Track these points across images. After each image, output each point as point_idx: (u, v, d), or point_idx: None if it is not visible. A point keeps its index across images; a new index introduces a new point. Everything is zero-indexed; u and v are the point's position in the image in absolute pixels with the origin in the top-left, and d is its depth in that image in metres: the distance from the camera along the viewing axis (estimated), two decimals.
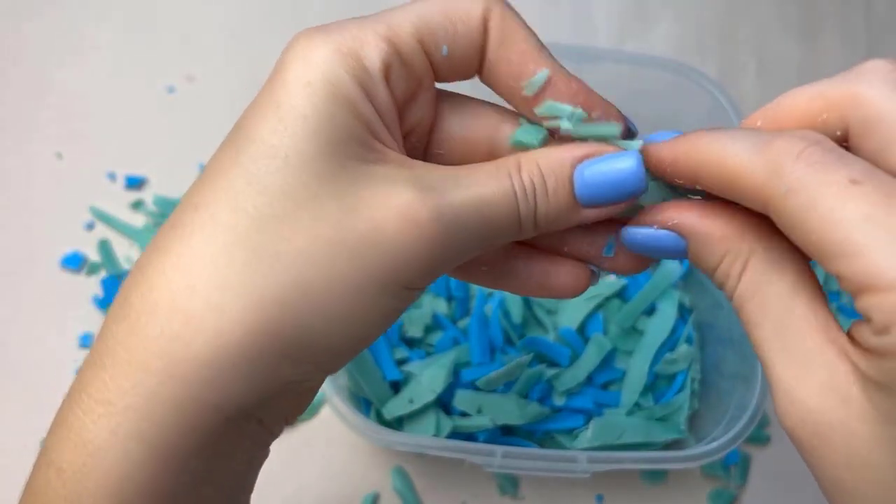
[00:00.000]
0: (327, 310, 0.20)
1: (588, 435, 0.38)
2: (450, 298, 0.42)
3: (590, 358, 0.39)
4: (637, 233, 0.22)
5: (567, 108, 0.22)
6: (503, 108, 0.23)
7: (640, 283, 0.42)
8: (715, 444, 0.35)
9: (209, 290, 0.19)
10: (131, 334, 0.19)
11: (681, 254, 0.22)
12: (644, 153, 0.22)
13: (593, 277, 0.25)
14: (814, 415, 0.19)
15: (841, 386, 0.18)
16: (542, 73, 0.22)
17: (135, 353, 0.19)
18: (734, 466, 0.41)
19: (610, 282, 0.42)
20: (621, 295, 0.42)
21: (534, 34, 0.22)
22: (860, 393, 0.18)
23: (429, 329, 0.40)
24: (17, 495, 0.22)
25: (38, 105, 0.47)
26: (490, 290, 0.41)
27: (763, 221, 0.20)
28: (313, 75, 0.20)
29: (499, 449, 0.34)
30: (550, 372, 0.39)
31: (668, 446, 0.38)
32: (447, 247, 0.20)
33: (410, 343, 0.40)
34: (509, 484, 0.39)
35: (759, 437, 0.41)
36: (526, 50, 0.22)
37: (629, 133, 0.23)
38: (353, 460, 0.39)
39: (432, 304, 0.41)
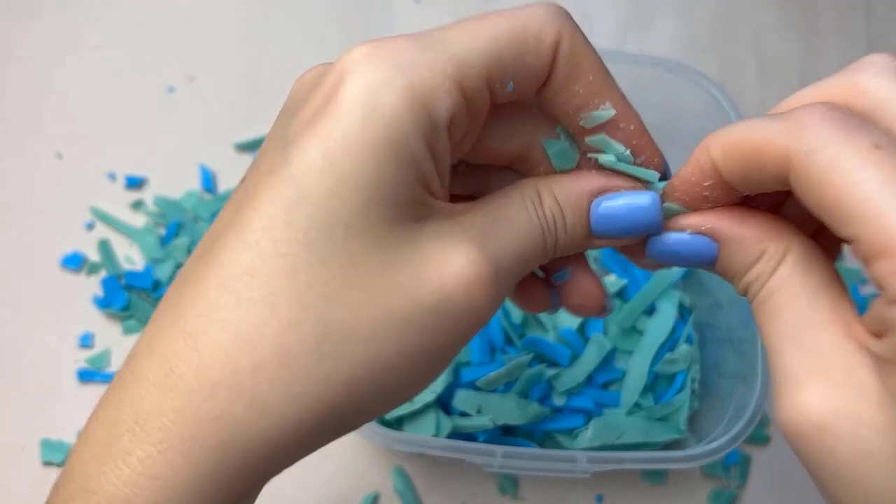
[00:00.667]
0: (392, 385, 0.20)
1: (588, 435, 0.38)
2: None
3: (590, 358, 0.39)
4: (668, 239, 0.22)
5: (619, 147, 0.22)
6: (542, 113, 0.22)
7: (639, 284, 0.42)
8: (715, 444, 0.35)
9: (278, 371, 0.18)
10: (185, 410, 0.18)
11: (709, 260, 0.22)
12: (666, 189, 0.22)
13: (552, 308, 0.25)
14: (822, 405, 0.18)
15: (856, 375, 0.18)
16: (607, 112, 0.21)
17: (187, 428, 0.18)
18: (734, 466, 0.41)
19: (610, 281, 0.42)
20: (621, 295, 0.42)
21: (601, 62, 0.21)
22: (875, 380, 0.18)
23: None
24: (13, 494, 0.22)
25: (38, 105, 0.47)
26: None
27: (789, 223, 0.21)
28: (381, 133, 0.18)
29: (499, 449, 0.34)
30: (550, 372, 0.39)
31: (668, 446, 0.38)
32: (501, 294, 0.20)
33: None
34: (509, 484, 0.39)
35: (759, 437, 0.41)
36: (594, 83, 0.21)
37: (662, 178, 0.23)
38: (353, 460, 0.39)
39: None
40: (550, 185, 0.22)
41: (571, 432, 0.38)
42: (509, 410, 0.37)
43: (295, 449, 0.19)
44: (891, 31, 0.52)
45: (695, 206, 0.22)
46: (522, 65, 0.20)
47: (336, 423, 0.19)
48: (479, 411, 0.37)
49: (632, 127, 0.22)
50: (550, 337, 0.40)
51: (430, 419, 0.37)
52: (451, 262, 0.19)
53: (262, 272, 0.18)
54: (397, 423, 0.37)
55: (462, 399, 0.37)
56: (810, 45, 0.51)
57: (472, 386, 0.38)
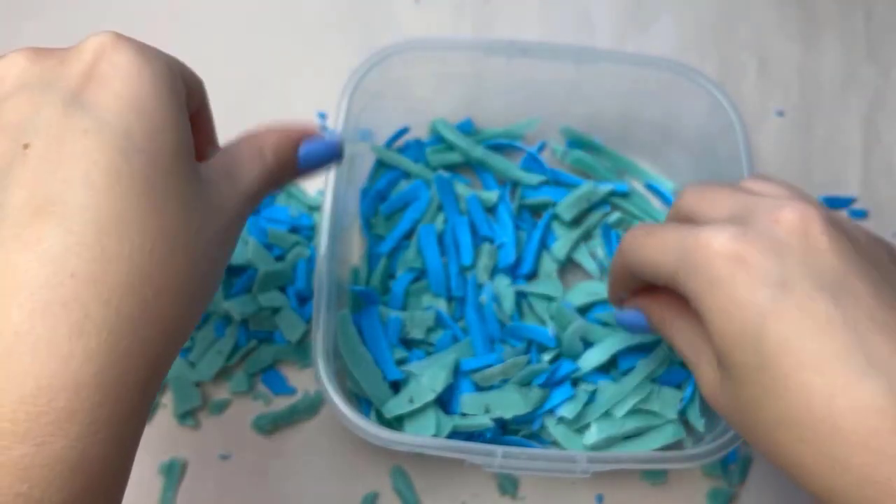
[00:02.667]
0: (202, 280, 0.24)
1: (592, 431, 0.38)
2: (450, 299, 0.42)
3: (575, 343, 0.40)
4: (618, 315, 0.35)
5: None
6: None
7: None
8: (715, 444, 0.35)
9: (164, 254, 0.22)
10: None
11: (645, 327, 0.34)
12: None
13: None
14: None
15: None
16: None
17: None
18: (733, 465, 0.41)
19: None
20: None
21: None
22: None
23: (430, 330, 0.40)
24: None
25: None
26: (481, 281, 0.42)
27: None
28: (167, 86, 0.24)
29: (499, 449, 0.34)
30: (546, 357, 0.39)
31: (668, 446, 0.38)
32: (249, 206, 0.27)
33: (410, 344, 0.40)
34: (509, 484, 0.39)
35: None
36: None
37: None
38: (353, 460, 0.39)
39: (433, 304, 0.41)
40: (271, 145, 0.28)
41: (564, 407, 0.39)
42: (514, 402, 0.37)
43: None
44: (891, 31, 0.52)
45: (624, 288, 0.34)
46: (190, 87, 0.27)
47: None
48: (486, 411, 0.37)
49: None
50: (550, 328, 0.40)
51: (430, 419, 0.37)
52: (221, 199, 0.25)
53: (129, 213, 0.21)
54: (397, 423, 0.37)
55: (467, 402, 0.38)
56: (810, 45, 0.51)
57: (473, 385, 0.38)
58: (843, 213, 0.26)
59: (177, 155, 0.23)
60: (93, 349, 0.19)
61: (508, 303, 0.41)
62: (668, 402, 0.39)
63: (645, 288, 0.33)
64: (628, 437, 0.39)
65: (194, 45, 0.49)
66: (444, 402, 0.38)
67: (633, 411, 0.39)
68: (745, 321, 0.25)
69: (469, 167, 0.45)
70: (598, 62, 0.42)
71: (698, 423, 0.38)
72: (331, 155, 0.29)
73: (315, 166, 0.29)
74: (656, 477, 0.40)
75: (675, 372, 0.40)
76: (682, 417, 0.39)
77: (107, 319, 0.20)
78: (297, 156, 0.28)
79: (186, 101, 0.25)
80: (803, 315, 0.24)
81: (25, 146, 0.21)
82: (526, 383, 0.39)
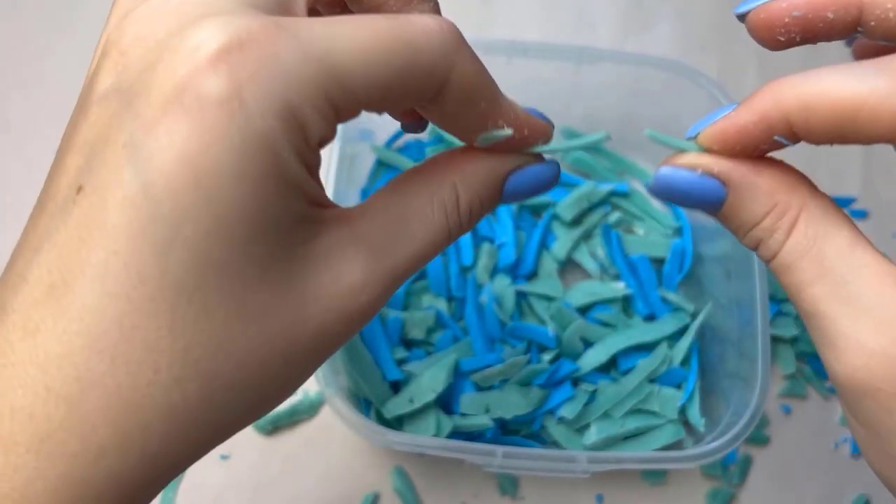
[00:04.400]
0: (273, 406, 0.19)
1: (592, 432, 0.38)
2: (450, 299, 0.42)
3: (575, 343, 0.40)
4: (675, 175, 0.21)
5: (506, 132, 0.21)
6: None
7: (647, 293, 0.42)
8: (715, 444, 0.35)
9: (166, 428, 0.17)
10: (71, 474, 0.17)
11: (715, 204, 0.21)
12: (706, 138, 0.21)
13: None
14: (882, 356, 0.18)
15: None
16: (503, 133, 0.21)
17: (75, 489, 0.17)
18: (733, 466, 0.41)
19: (617, 288, 0.42)
20: (626, 303, 0.42)
21: (493, 84, 0.20)
22: None
23: (430, 330, 0.40)
24: None
25: (39, 105, 0.47)
26: (481, 281, 0.42)
27: (805, 178, 0.20)
28: (259, 160, 0.16)
29: (499, 449, 0.34)
30: (546, 357, 0.39)
31: (668, 446, 0.38)
32: (389, 295, 0.20)
33: (411, 343, 0.40)
34: (509, 484, 0.39)
35: (759, 437, 0.41)
36: (486, 109, 0.20)
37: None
38: (353, 460, 0.39)
39: (433, 304, 0.41)
40: (468, 179, 0.21)
41: (565, 411, 0.39)
42: (514, 402, 0.37)
43: (173, 475, 0.19)
44: None
45: (743, 152, 0.20)
46: (406, 95, 0.18)
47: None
48: (486, 411, 0.37)
49: (525, 132, 0.21)
50: (550, 327, 0.40)
51: (431, 419, 0.37)
52: (343, 292, 0.18)
53: (139, 330, 0.16)
54: (397, 423, 0.37)
55: (467, 402, 0.38)
56: (810, 45, 0.51)
57: (472, 385, 0.38)
58: None
59: (244, 252, 0.16)
60: (46, 469, 0.16)
61: (508, 303, 0.41)
62: (668, 402, 0.39)
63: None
64: (628, 437, 0.39)
65: None
66: (445, 402, 0.38)
67: (633, 411, 0.39)
68: None
69: None
70: (598, 62, 0.42)
71: (698, 423, 0.38)
72: (547, 182, 0.22)
73: (520, 198, 0.22)
74: (656, 477, 0.40)
75: (675, 372, 0.40)
76: (682, 417, 0.39)
77: (70, 445, 0.16)
78: (504, 190, 0.21)
79: (373, 101, 0.18)
80: None
81: (79, 190, 0.17)
82: (526, 383, 0.39)
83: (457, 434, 0.37)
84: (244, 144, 0.16)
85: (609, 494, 0.40)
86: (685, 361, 0.40)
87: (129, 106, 0.16)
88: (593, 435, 0.38)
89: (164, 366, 0.16)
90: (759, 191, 0.20)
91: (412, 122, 0.23)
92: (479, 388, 0.38)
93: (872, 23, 0.19)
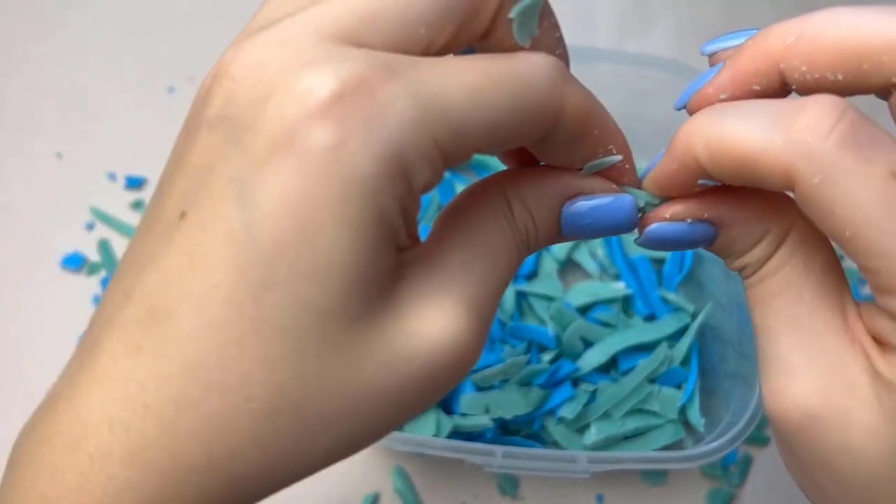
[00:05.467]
0: (370, 443, 0.19)
1: (592, 431, 0.38)
2: None
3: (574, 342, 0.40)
4: (664, 228, 0.21)
5: (616, 157, 0.20)
6: None
7: (647, 293, 0.42)
8: (715, 444, 0.35)
9: (254, 457, 0.17)
10: (161, 489, 0.17)
11: (706, 243, 0.21)
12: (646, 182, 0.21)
13: None
14: (815, 397, 0.18)
15: (850, 373, 0.18)
16: (613, 158, 0.20)
17: None
18: (733, 466, 0.41)
19: (617, 288, 0.42)
20: (626, 304, 0.42)
21: (604, 110, 0.20)
22: (868, 385, 0.18)
23: None
24: None
25: (39, 105, 0.47)
26: None
27: (789, 199, 0.20)
28: (360, 207, 0.16)
29: (499, 449, 0.34)
30: (546, 357, 0.39)
31: (668, 446, 0.38)
32: (487, 334, 0.20)
33: None
34: (509, 484, 0.39)
35: (759, 437, 0.41)
36: (598, 136, 0.20)
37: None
38: (354, 460, 0.39)
39: None
40: (520, 191, 0.20)
41: (566, 411, 0.39)
42: (514, 402, 0.37)
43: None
44: None
45: (678, 194, 0.21)
46: (519, 133, 0.18)
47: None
48: (486, 411, 0.37)
49: (627, 165, 0.21)
50: (550, 327, 0.40)
51: (430, 419, 0.37)
52: (437, 329, 0.18)
53: (235, 361, 0.17)
54: None
55: (467, 402, 0.38)
56: None
57: (472, 385, 0.38)
58: None
59: (342, 297, 0.16)
60: (139, 483, 0.17)
61: (508, 303, 0.41)
62: (667, 402, 0.39)
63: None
64: (628, 437, 0.39)
65: (195, 46, 0.49)
66: (445, 402, 0.38)
67: (633, 411, 0.39)
68: None
69: (469, 167, 0.45)
70: (598, 62, 0.42)
71: (698, 423, 0.38)
72: (615, 220, 0.21)
73: (583, 232, 0.21)
74: (656, 477, 0.40)
75: (675, 372, 0.40)
76: (682, 417, 0.39)
77: (161, 460, 0.17)
78: (562, 217, 0.20)
79: (482, 144, 0.17)
80: None
81: (182, 216, 0.17)
82: (526, 383, 0.39)
83: (457, 434, 0.37)
84: (348, 193, 0.16)
85: (609, 494, 0.40)
86: (685, 361, 0.40)
87: (237, 139, 0.16)
88: (593, 435, 0.38)
89: (257, 397, 0.17)
90: (749, 223, 0.20)
91: (520, 163, 0.22)
92: (479, 389, 0.38)
93: (794, 86, 0.19)
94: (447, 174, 0.44)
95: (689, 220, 0.20)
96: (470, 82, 0.17)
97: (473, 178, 0.45)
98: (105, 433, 0.17)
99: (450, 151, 0.17)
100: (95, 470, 0.17)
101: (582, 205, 0.20)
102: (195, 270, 0.16)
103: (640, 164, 0.21)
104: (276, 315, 0.16)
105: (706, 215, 0.20)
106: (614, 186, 0.21)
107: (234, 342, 0.16)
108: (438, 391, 0.19)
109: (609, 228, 0.21)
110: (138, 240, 0.18)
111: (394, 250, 0.17)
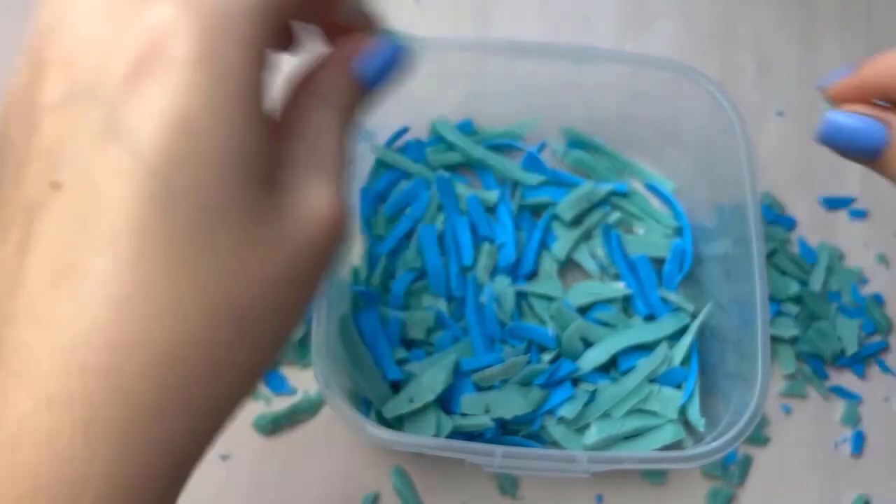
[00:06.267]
0: (289, 326, 0.20)
1: (592, 432, 0.38)
2: (450, 299, 0.42)
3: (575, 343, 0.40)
4: (843, 117, 0.24)
5: None
6: None
7: (647, 293, 0.42)
8: (715, 444, 0.35)
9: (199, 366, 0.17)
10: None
11: (875, 151, 0.24)
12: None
13: None
14: None
15: None
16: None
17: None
18: (733, 465, 0.41)
19: (617, 288, 0.42)
20: (626, 304, 0.42)
21: None
22: None
23: (430, 330, 0.40)
24: None
25: None
26: (481, 281, 0.42)
27: None
28: (235, 94, 0.17)
29: (499, 449, 0.34)
30: (546, 358, 0.39)
31: (668, 446, 0.38)
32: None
33: (411, 343, 0.40)
34: (509, 484, 0.39)
35: (758, 437, 0.41)
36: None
37: None
38: (353, 460, 0.39)
39: (433, 304, 0.41)
40: (321, 77, 0.22)
41: (565, 411, 0.39)
42: (514, 402, 0.37)
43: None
44: (891, 31, 0.52)
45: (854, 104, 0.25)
46: None
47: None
48: (486, 411, 0.37)
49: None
50: (550, 327, 0.40)
51: (431, 419, 0.37)
52: (322, 204, 0.19)
53: (161, 286, 0.17)
54: (397, 423, 0.37)
55: (467, 402, 0.38)
56: (810, 45, 0.51)
57: (473, 385, 0.38)
58: None
59: (238, 191, 0.17)
60: (100, 447, 0.16)
61: (508, 303, 0.41)
62: (667, 402, 0.39)
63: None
64: (628, 437, 0.39)
65: None
66: (445, 402, 0.38)
67: (633, 411, 0.39)
68: None
69: (469, 167, 0.45)
70: (598, 62, 0.42)
71: (698, 423, 0.38)
72: (395, 63, 0.23)
73: (382, 82, 0.23)
74: (656, 477, 0.40)
75: (675, 372, 0.40)
76: (682, 418, 0.39)
77: (118, 415, 0.17)
78: (357, 77, 0.22)
79: (287, 8, 0.19)
80: None
81: (55, 186, 0.17)
82: (526, 383, 0.39)
83: (457, 434, 0.37)
84: (216, 93, 0.17)
85: (609, 494, 0.40)
86: (685, 361, 0.40)
87: (96, 100, 0.17)
88: (593, 435, 0.38)
89: (191, 313, 0.17)
90: None
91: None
92: (479, 389, 0.38)
93: None
94: (447, 174, 0.44)
95: (868, 118, 0.24)
96: None
97: (473, 179, 0.45)
98: (44, 416, 0.16)
99: (270, 22, 0.18)
100: (45, 459, 0.16)
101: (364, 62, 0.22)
102: (92, 218, 0.17)
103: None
104: (188, 225, 0.17)
105: (880, 116, 0.24)
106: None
107: (154, 267, 0.17)
108: (328, 265, 0.20)
109: (390, 70, 0.23)
110: None
111: (268, 133, 0.18)
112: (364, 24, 0.23)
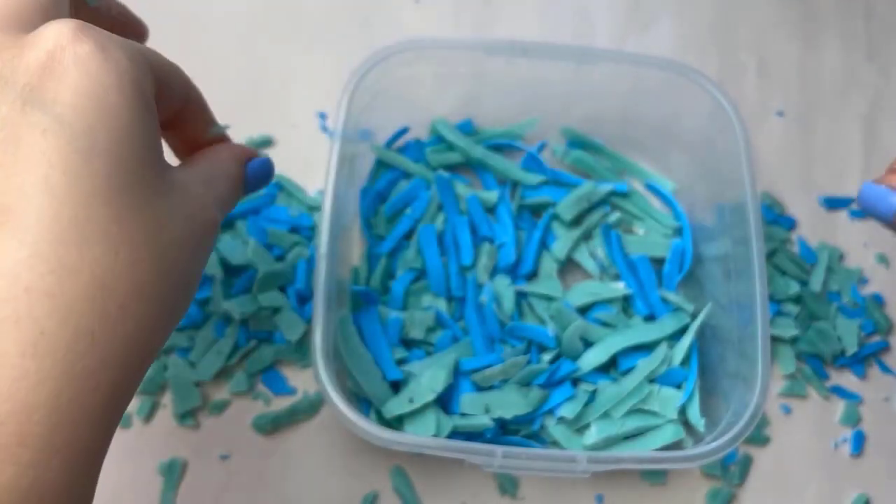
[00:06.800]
0: (179, 299, 0.23)
1: (592, 431, 0.38)
2: (450, 299, 0.42)
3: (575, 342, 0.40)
4: (870, 188, 0.29)
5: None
6: None
7: (647, 293, 0.42)
8: (715, 444, 0.35)
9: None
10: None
11: (886, 213, 0.29)
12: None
13: None
14: None
15: None
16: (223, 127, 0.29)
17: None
18: (733, 465, 0.41)
19: (617, 288, 0.42)
20: (626, 304, 0.42)
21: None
22: None
23: (430, 330, 0.40)
24: None
25: None
26: (481, 281, 0.42)
27: None
28: (131, 84, 0.21)
29: (499, 449, 0.34)
30: (546, 357, 0.40)
31: (668, 446, 0.38)
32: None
33: (411, 343, 0.40)
34: (509, 484, 0.39)
35: (758, 437, 0.41)
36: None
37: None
38: (353, 460, 0.39)
39: (433, 304, 0.41)
40: (240, 154, 0.28)
41: (564, 412, 0.39)
42: (514, 402, 0.37)
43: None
44: (891, 32, 0.52)
45: None
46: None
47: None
48: (486, 411, 0.37)
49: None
50: (549, 327, 0.40)
51: (430, 419, 0.37)
52: (202, 212, 0.24)
53: (91, 222, 0.19)
54: (397, 423, 0.37)
55: (467, 402, 0.38)
56: (810, 45, 0.51)
57: (473, 385, 0.38)
58: None
59: (143, 157, 0.21)
60: (47, 369, 0.18)
61: (508, 303, 0.41)
62: (667, 402, 0.39)
63: None
64: (628, 437, 0.39)
65: (194, 45, 0.49)
66: (444, 402, 0.38)
67: (633, 411, 0.39)
68: None
69: (469, 167, 0.45)
70: (598, 62, 0.42)
71: (698, 423, 0.38)
72: (269, 173, 0.30)
73: (258, 184, 0.29)
74: (656, 477, 0.40)
75: (675, 372, 0.40)
76: (682, 418, 0.39)
77: (63, 336, 0.18)
78: (247, 171, 0.28)
79: (164, 95, 0.24)
80: None
81: None
82: (526, 383, 0.39)
83: (457, 434, 0.37)
84: (121, 79, 0.21)
85: (609, 494, 0.40)
86: (685, 361, 0.40)
87: (13, 84, 0.20)
88: (594, 435, 0.38)
89: (122, 249, 0.20)
90: None
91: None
92: (479, 389, 0.38)
93: None
94: (447, 174, 0.44)
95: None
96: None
97: (473, 179, 0.45)
98: None
99: (149, 74, 0.22)
100: None
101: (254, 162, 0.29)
102: (20, 167, 0.19)
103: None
104: (109, 174, 0.20)
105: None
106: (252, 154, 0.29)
107: (85, 205, 0.19)
108: (201, 257, 0.24)
109: (267, 175, 0.30)
110: None
111: (157, 135, 0.22)
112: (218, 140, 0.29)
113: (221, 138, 0.29)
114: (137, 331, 0.20)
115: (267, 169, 0.29)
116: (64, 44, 0.20)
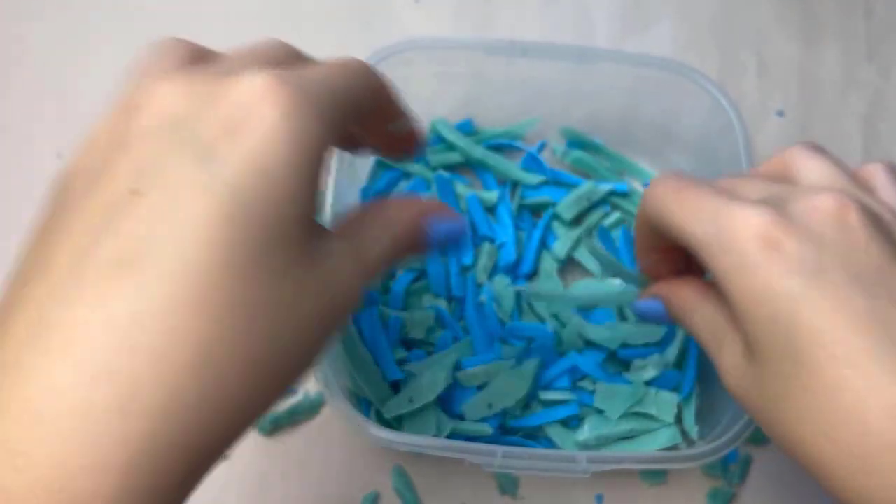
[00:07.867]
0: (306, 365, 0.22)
1: (585, 429, 0.38)
2: (450, 299, 0.42)
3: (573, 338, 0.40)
4: (642, 304, 0.33)
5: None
6: None
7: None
8: (715, 444, 0.35)
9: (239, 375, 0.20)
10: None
11: (664, 318, 0.31)
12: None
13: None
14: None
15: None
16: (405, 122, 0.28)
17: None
18: (733, 465, 0.41)
19: (613, 286, 0.42)
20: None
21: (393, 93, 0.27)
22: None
23: (430, 330, 0.40)
24: None
25: (39, 105, 0.47)
26: (480, 281, 0.42)
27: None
28: (304, 152, 0.21)
29: (499, 449, 0.34)
30: (545, 357, 0.40)
31: (665, 450, 0.38)
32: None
33: (411, 343, 0.40)
34: (509, 484, 0.39)
35: (759, 437, 0.41)
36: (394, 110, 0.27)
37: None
38: (353, 460, 0.39)
39: (433, 304, 0.41)
40: (411, 213, 0.26)
41: (566, 420, 0.38)
42: (510, 385, 0.38)
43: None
44: (890, 31, 0.52)
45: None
46: (363, 107, 0.24)
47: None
48: (489, 407, 0.37)
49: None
50: (549, 326, 0.40)
51: (430, 419, 0.37)
52: (347, 288, 0.23)
53: (218, 289, 0.19)
54: (397, 423, 0.37)
55: (471, 408, 0.38)
56: (810, 45, 0.51)
57: (470, 381, 0.38)
58: (886, 201, 0.27)
59: (294, 232, 0.20)
60: (131, 432, 0.18)
61: (508, 302, 0.41)
62: (665, 406, 0.39)
63: (666, 274, 0.32)
64: (624, 440, 0.39)
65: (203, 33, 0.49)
66: (445, 402, 0.38)
67: (630, 414, 0.39)
68: (778, 308, 0.24)
69: (469, 167, 0.45)
70: (598, 62, 0.42)
71: (692, 429, 0.39)
72: (459, 233, 0.27)
73: (443, 243, 0.27)
74: (656, 477, 0.40)
75: (674, 373, 0.40)
76: (679, 423, 0.39)
77: (156, 402, 0.18)
78: (428, 231, 0.26)
79: (351, 118, 0.23)
80: (838, 306, 0.23)
81: (134, 193, 0.19)
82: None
83: (457, 434, 0.37)
84: (297, 146, 0.20)
85: (609, 494, 0.40)
86: (685, 361, 0.40)
87: (191, 134, 0.20)
88: (585, 432, 0.38)
89: (239, 323, 0.19)
90: (672, 296, 0.31)
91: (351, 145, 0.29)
92: (479, 388, 0.38)
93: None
94: (447, 174, 0.44)
95: (644, 300, 0.33)
96: (336, 71, 0.23)
97: (473, 179, 0.45)
98: (86, 389, 0.17)
99: (339, 116, 0.22)
100: (78, 427, 0.17)
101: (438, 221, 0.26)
102: (167, 221, 0.19)
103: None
104: (252, 244, 0.19)
105: (656, 294, 0.32)
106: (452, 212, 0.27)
107: (216, 272, 0.19)
108: (336, 329, 0.23)
109: (451, 237, 0.27)
110: (61, 216, 0.20)
111: (314, 202, 0.22)
112: (407, 137, 0.28)
113: (405, 135, 0.28)
114: (233, 404, 0.19)
115: (457, 231, 0.27)
116: (256, 102, 0.20)
